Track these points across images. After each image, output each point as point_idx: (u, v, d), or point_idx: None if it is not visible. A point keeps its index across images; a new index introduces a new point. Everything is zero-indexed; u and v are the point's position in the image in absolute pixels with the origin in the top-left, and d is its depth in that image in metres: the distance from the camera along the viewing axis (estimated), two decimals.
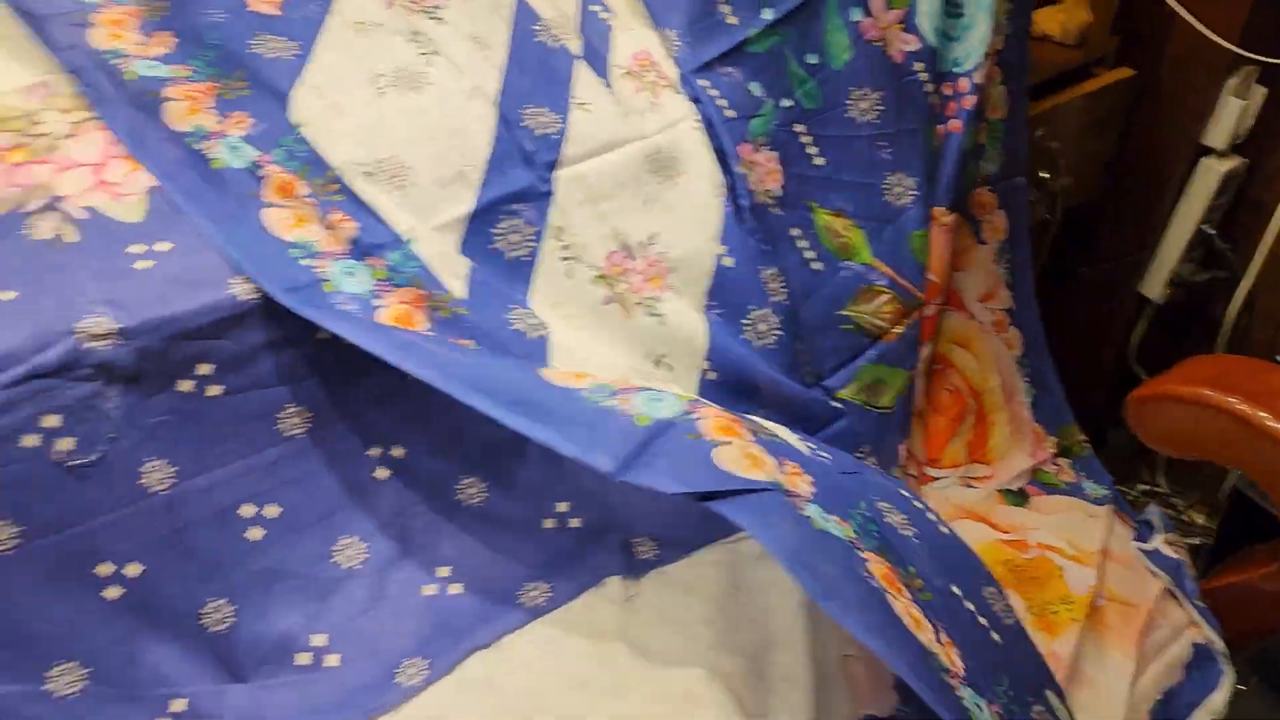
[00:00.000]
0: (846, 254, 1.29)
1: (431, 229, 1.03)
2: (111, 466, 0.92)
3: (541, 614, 1.03)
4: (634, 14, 1.23)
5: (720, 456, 0.88)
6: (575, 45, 1.17)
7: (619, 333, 1.11)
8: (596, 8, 1.21)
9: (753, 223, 1.19)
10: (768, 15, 1.22)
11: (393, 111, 1.05)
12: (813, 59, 1.25)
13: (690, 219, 1.15)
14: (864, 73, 1.26)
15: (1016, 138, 1.39)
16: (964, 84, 1.31)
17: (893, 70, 1.27)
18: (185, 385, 0.94)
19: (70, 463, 0.90)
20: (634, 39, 1.20)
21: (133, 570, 0.94)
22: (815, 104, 1.26)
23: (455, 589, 1.05)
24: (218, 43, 1.05)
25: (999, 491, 1.46)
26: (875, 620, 0.80)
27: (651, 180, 1.14)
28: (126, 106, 1.03)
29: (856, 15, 1.25)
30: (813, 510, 0.89)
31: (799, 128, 1.26)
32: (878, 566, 0.88)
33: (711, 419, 0.94)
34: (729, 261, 1.16)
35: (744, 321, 1.16)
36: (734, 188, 1.18)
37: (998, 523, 1.40)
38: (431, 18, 1.11)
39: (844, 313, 1.28)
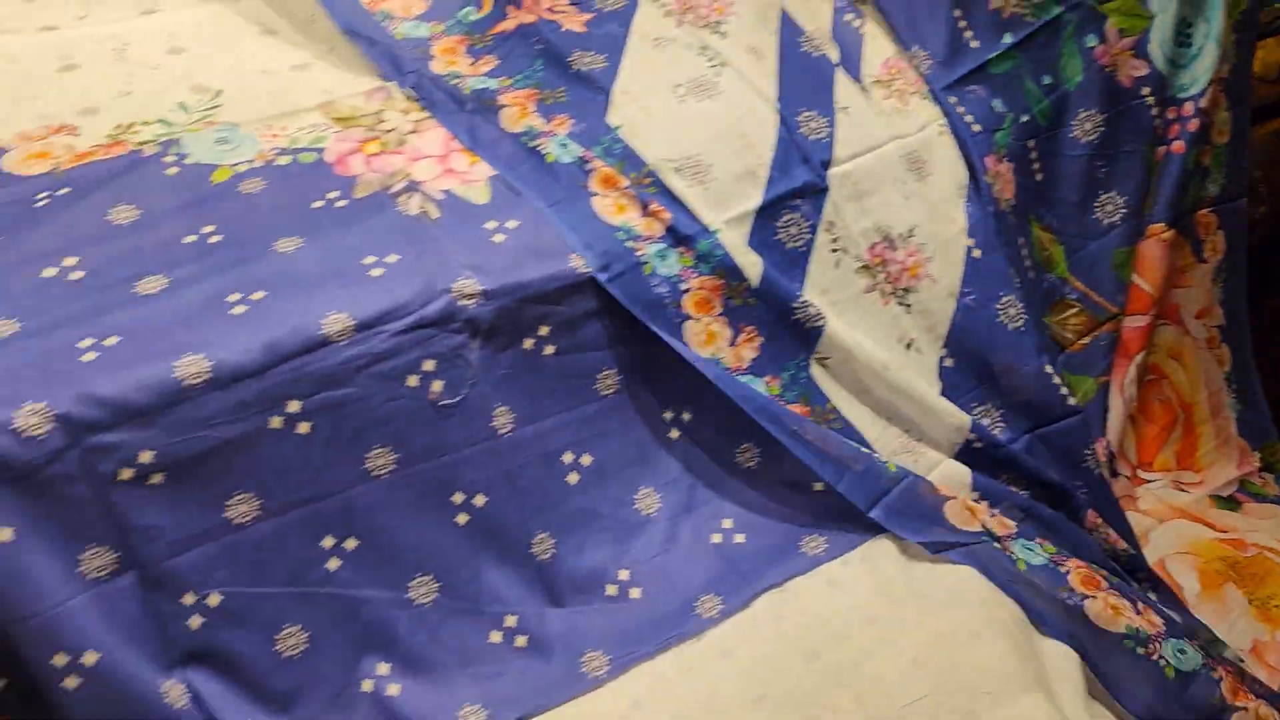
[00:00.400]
0: (1049, 266, 1.41)
1: (725, 221, 1.17)
2: (470, 408, 1.07)
3: (821, 562, 1.15)
4: (881, 30, 1.38)
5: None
6: (833, 54, 1.32)
7: (877, 319, 1.24)
8: (849, 16, 1.36)
9: (995, 224, 1.31)
10: (1007, 39, 1.35)
11: (692, 116, 1.21)
12: (1048, 79, 1.37)
13: (943, 214, 1.28)
14: (1093, 95, 1.38)
15: (1239, 161, 1.48)
16: (1189, 108, 1.41)
17: (1120, 93, 1.39)
18: (528, 343, 1.10)
19: (441, 402, 1.05)
20: (882, 49, 1.35)
21: (479, 500, 1.09)
22: (1045, 121, 1.38)
23: (739, 538, 1.17)
24: (540, 59, 1.25)
25: (1210, 496, 1.53)
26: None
27: (909, 177, 1.27)
28: (464, 113, 1.22)
29: (1092, 41, 1.37)
30: (1016, 546, 1.14)
31: (1030, 143, 1.38)
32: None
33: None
34: (978, 253, 1.28)
35: (996, 306, 1.28)
36: (980, 192, 1.30)
37: (1214, 523, 1.46)
38: (715, 33, 1.28)
39: (1044, 320, 1.40)
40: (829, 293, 1.22)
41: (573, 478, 1.14)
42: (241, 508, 0.98)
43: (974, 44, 1.35)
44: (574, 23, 1.28)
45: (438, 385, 1.05)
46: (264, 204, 1.15)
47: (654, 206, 1.14)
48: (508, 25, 1.29)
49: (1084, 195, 1.41)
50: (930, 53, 1.34)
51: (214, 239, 1.09)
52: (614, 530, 1.14)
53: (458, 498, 1.08)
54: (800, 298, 1.18)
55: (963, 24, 1.35)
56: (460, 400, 1.06)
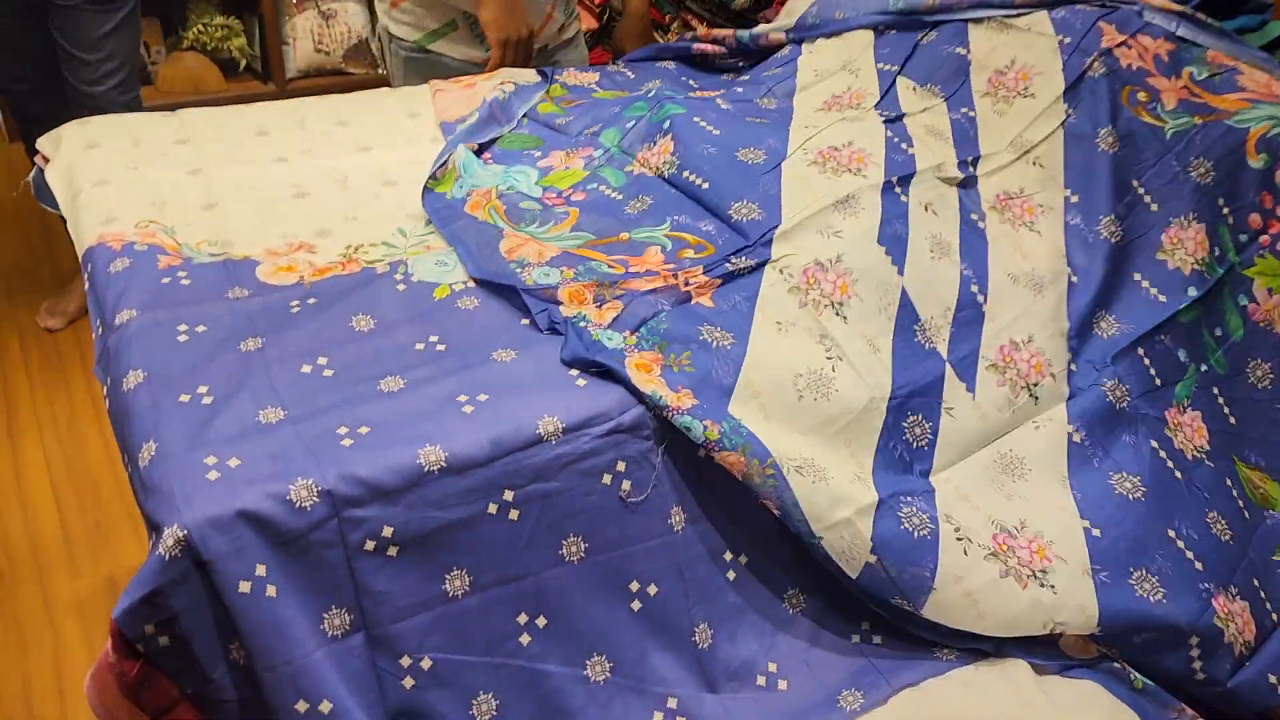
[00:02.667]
0: (1267, 503, 1.44)
1: (852, 514, 1.24)
2: (652, 506, 1.22)
3: (955, 666, 1.26)
4: (1016, 296, 1.44)
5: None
6: (944, 347, 1.38)
7: (1017, 604, 1.26)
8: (975, 289, 1.44)
9: (1173, 479, 1.39)
10: (1192, 292, 1.48)
11: (808, 419, 1.27)
12: (1219, 331, 1.50)
13: (1052, 504, 1.34)
14: (1257, 347, 1.47)
15: None
16: None
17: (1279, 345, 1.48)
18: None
19: (629, 499, 1.21)
20: (1007, 328, 1.41)
21: (652, 589, 1.23)
22: (1224, 370, 1.50)
23: (877, 639, 1.29)
24: (665, 325, 1.31)
25: None
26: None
27: (1005, 479, 1.34)
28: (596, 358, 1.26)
29: (1244, 300, 1.51)
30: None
31: (1215, 389, 1.48)
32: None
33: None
34: (1097, 533, 1.34)
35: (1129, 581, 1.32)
36: (1160, 450, 1.39)
37: None
38: (838, 314, 1.35)
39: (1277, 558, 1.42)
40: (962, 580, 1.26)
41: (731, 574, 1.27)
42: (456, 581, 1.13)
43: (1162, 299, 1.47)
44: (703, 295, 1.35)
45: (627, 484, 1.20)
46: (479, 319, 1.34)
47: (769, 501, 1.23)
48: (638, 285, 1.36)
49: (1277, 435, 1.44)
50: (1117, 315, 1.46)
51: (440, 347, 1.28)
52: (763, 625, 1.27)
53: (634, 585, 1.22)
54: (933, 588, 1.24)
55: (1146, 283, 1.48)
56: (644, 499, 1.21)
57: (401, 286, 1.39)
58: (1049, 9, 1.69)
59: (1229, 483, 1.44)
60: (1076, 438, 1.39)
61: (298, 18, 3.58)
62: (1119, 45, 1.62)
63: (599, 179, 1.63)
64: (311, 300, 1.35)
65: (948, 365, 1.36)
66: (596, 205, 1.56)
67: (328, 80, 2.77)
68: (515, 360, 1.26)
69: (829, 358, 1.31)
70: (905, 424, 1.32)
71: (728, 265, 1.38)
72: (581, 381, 1.23)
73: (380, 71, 3.13)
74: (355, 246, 1.49)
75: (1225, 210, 1.53)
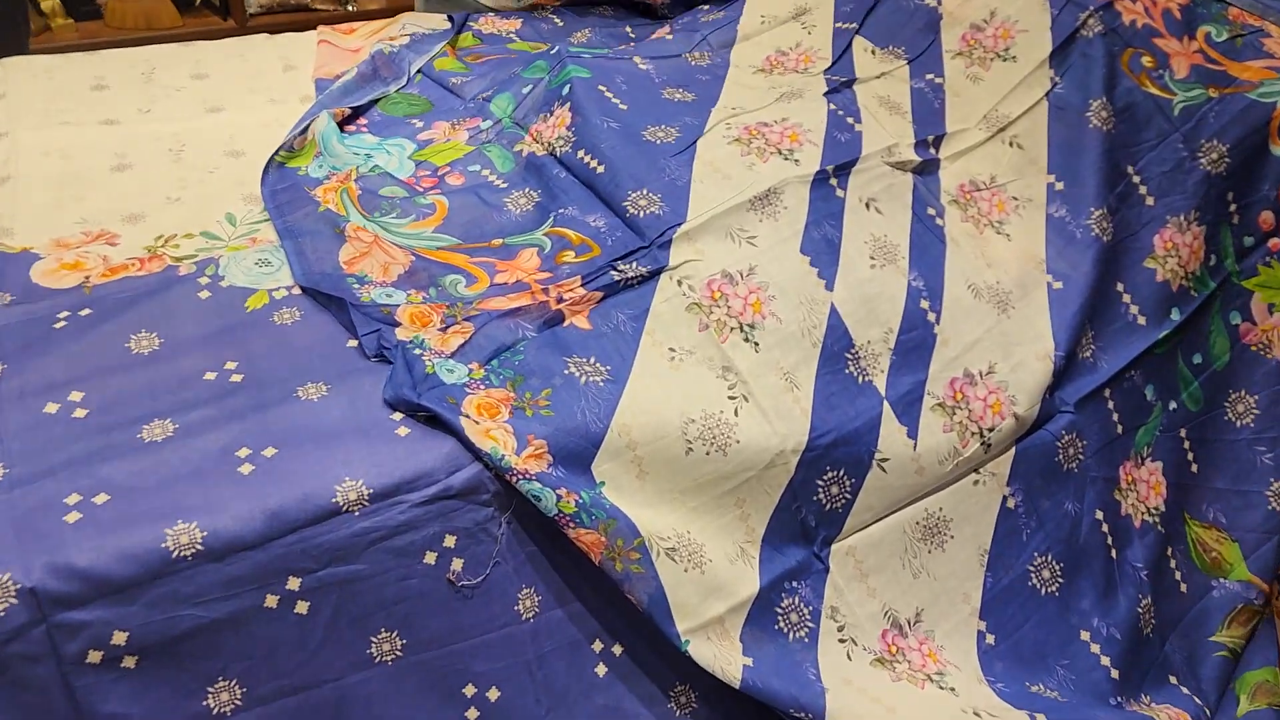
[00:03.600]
0: (1217, 569, 1.22)
1: (725, 611, 0.99)
2: (492, 589, 0.95)
3: None
4: (976, 314, 1.16)
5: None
6: (882, 380, 1.09)
7: (925, 699, 1.05)
8: (925, 304, 1.14)
9: (1106, 562, 1.15)
10: (1175, 315, 1.21)
11: (694, 476, 1.00)
12: (1197, 359, 1.23)
13: (955, 592, 1.10)
14: (1241, 375, 1.23)
15: None
16: None
17: (1273, 373, 1.23)
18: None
19: (459, 583, 0.94)
20: (962, 355, 1.13)
21: (493, 694, 0.96)
22: (1197, 406, 1.24)
23: None
24: (524, 355, 1.02)
25: None
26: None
27: (921, 548, 1.09)
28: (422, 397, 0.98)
29: (1236, 319, 1.23)
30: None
31: (1181, 432, 1.23)
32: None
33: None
34: (990, 640, 1.11)
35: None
36: (1104, 523, 1.15)
37: None
38: (748, 340, 1.06)
39: (1215, 639, 1.20)
40: (852, 682, 1.03)
41: (600, 669, 1.01)
42: (223, 695, 0.87)
43: (1141, 321, 1.21)
44: (578, 313, 1.07)
45: (458, 563, 0.94)
46: (295, 339, 1.06)
47: (633, 586, 0.97)
48: (498, 303, 1.08)
49: (1247, 485, 1.23)
50: (1095, 335, 1.20)
51: (235, 377, 1.01)
52: None
53: (469, 690, 0.96)
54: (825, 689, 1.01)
55: (1127, 297, 1.21)
56: (482, 581, 0.95)
57: (205, 294, 1.11)
58: None
59: (1170, 553, 1.22)
60: (1011, 503, 1.13)
61: None
62: None
63: (482, 159, 1.34)
64: (85, 312, 1.07)
65: (885, 405, 1.08)
66: (472, 196, 1.27)
67: (293, 16, 2.52)
68: (325, 399, 0.98)
69: (731, 398, 1.03)
70: (820, 482, 1.04)
71: (612, 274, 1.10)
72: (403, 430, 0.96)
73: (350, 8, 2.80)
74: (166, 238, 1.21)
75: (1233, 207, 1.25)
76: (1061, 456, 1.15)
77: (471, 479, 0.94)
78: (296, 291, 1.12)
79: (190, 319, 1.08)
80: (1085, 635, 1.12)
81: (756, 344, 1.06)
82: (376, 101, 1.51)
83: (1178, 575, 1.21)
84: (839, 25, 1.48)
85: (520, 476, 0.93)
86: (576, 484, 0.96)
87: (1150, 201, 1.25)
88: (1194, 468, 1.24)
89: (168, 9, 2.15)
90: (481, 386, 1.00)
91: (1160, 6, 1.31)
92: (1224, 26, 1.30)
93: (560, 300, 1.08)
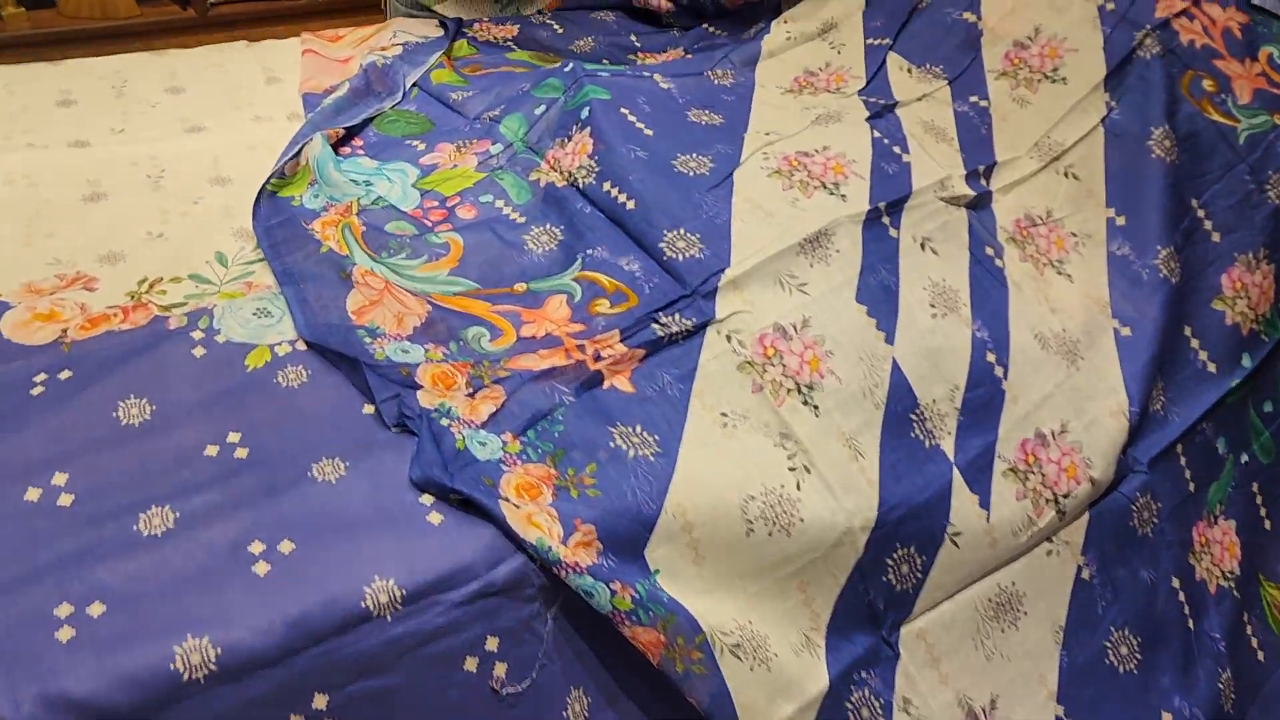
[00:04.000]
0: None
1: (794, 712, 0.90)
2: (539, 695, 0.85)
3: None
4: (1046, 367, 1.07)
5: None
6: (950, 444, 1.00)
7: None
8: (991, 357, 1.04)
9: (1184, 633, 1.08)
10: (1246, 363, 1.14)
11: (756, 559, 0.90)
12: (1268, 407, 1.16)
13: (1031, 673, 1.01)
14: None
15: None
16: None
17: None
18: None
19: (505, 690, 0.84)
20: (1033, 413, 1.04)
21: None
22: (1269, 458, 1.16)
23: None
24: (564, 425, 0.92)
25: None
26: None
27: (993, 629, 1.00)
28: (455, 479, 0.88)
29: None
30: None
31: (1254, 486, 1.16)
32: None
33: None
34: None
35: None
36: (1180, 591, 1.07)
37: None
38: (806, 402, 0.96)
39: None
40: None
41: None
42: None
43: (1211, 368, 1.14)
44: (619, 374, 0.97)
45: (501, 668, 0.84)
46: (303, 404, 0.95)
47: (696, 686, 0.87)
48: (529, 362, 0.97)
49: None
50: (1165, 386, 1.11)
51: (240, 452, 0.89)
52: None
53: None
54: None
55: (1195, 343, 1.14)
56: (528, 686, 0.85)
57: (200, 350, 1.00)
58: None
59: (1246, 619, 1.15)
60: (1086, 573, 1.05)
61: None
62: (1178, 15, 1.23)
63: (495, 188, 1.23)
64: (65, 375, 0.95)
65: (955, 471, 1.00)
66: (488, 232, 1.16)
67: (256, 6, 2.38)
68: (343, 479, 0.88)
69: (792, 469, 0.94)
70: (889, 561, 0.96)
71: (654, 328, 1.00)
72: (436, 516, 0.86)
73: None
74: (150, 282, 1.09)
75: None
76: (1136, 520, 1.07)
77: (515, 573, 0.84)
78: (301, 346, 1.01)
79: (184, 382, 0.96)
80: (1168, 717, 1.04)
81: (816, 407, 0.97)
82: (371, 120, 1.40)
83: (1254, 642, 1.14)
84: (870, 42, 1.39)
85: (570, 570, 0.83)
86: (630, 574, 0.86)
87: (1216, 238, 1.18)
88: (1267, 524, 1.17)
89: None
90: (519, 462, 0.90)
91: (1220, 25, 1.23)
92: None
93: (598, 358, 0.98)
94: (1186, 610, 1.10)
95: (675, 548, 0.89)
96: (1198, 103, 1.21)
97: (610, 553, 0.86)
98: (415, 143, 1.33)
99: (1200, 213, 1.19)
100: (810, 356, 0.99)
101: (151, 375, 0.96)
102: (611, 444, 0.91)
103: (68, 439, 0.89)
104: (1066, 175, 1.22)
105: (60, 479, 0.85)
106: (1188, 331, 1.16)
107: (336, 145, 1.31)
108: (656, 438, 0.93)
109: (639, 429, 0.93)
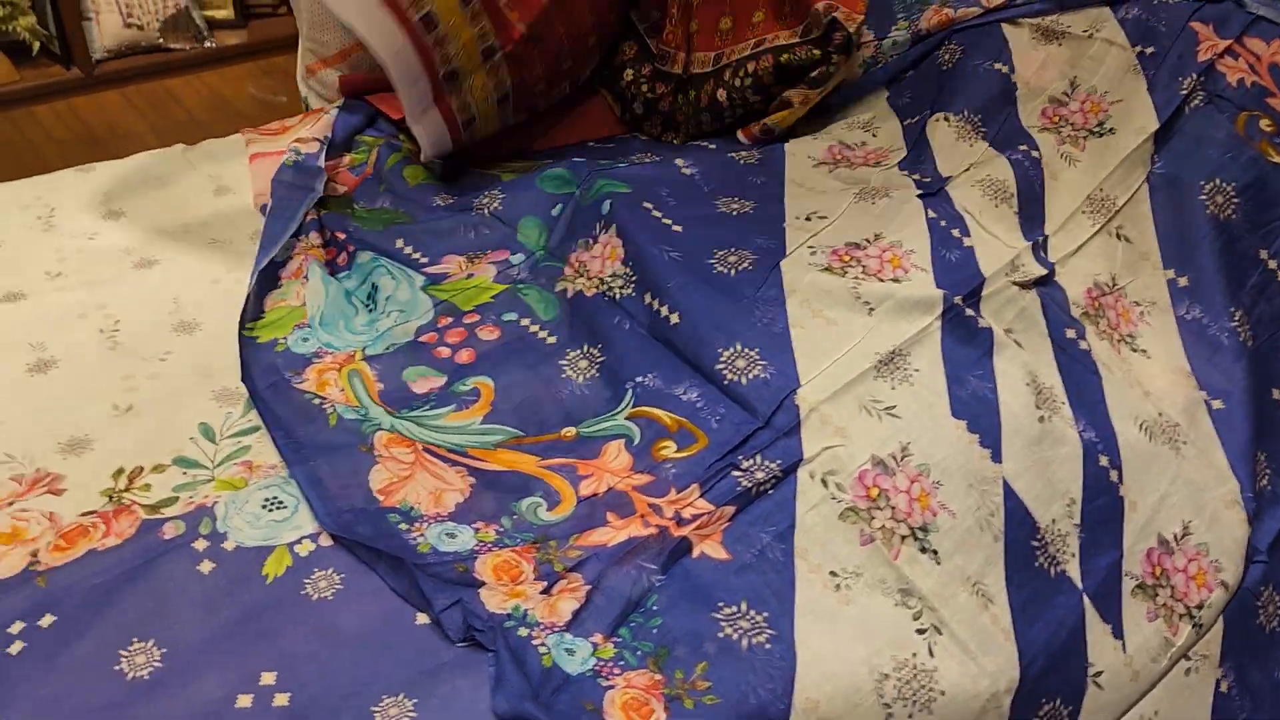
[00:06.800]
0: None
1: None
2: None
3: None
4: (1157, 461, 0.97)
5: None
6: (1075, 568, 0.89)
7: None
8: (1104, 460, 0.93)
9: None
10: None
11: None
12: None
13: None
14: None
15: None
16: None
17: None
18: None
19: None
20: (1153, 518, 0.94)
21: None
22: None
23: None
24: (661, 616, 0.79)
25: None
26: None
27: None
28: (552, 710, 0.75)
29: None
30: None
31: None
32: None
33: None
34: None
35: None
36: None
37: None
38: (924, 549, 0.85)
39: None
40: None
41: None
42: None
43: None
44: (708, 538, 0.84)
45: None
46: (344, 624, 0.80)
47: None
48: (603, 536, 0.85)
49: None
50: (1269, 460, 1.02)
51: (279, 699, 0.74)
52: None
53: None
54: None
55: None
56: None
57: (207, 564, 0.84)
58: (1112, 4, 1.21)
59: None
60: (1224, 685, 0.95)
61: None
62: (1221, 56, 1.14)
63: (519, 305, 1.09)
64: (47, 621, 0.79)
65: (1086, 601, 0.88)
66: (519, 364, 1.02)
67: (145, 60, 2.22)
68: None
69: (921, 631, 0.82)
70: (1036, 719, 0.84)
71: (737, 477, 0.87)
72: None
73: (208, 44, 2.46)
74: (129, 474, 0.92)
75: None
76: (1263, 616, 0.97)
77: None
78: (326, 540, 0.86)
79: (194, 609, 0.80)
80: None
81: (935, 552, 0.85)
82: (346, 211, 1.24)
83: None
84: (907, 122, 1.28)
85: None
86: None
87: None
88: None
89: (1, 62, 1.84)
90: (617, 670, 0.76)
91: (1265, 61, 1.15)
92: None
93: (681, 522, 0.84)
94: None
95: None
96: (1256, 145, 1.12)
97: None
98: (405, 246, 1.18)
99: (1272, 264, 1.10)
100: (919, 492, 0.87)
101: (153, 606, 0.80)
102: (720, 633, 0.78)
103: (64, 711, 0.73)
104: (1119, 237, 1.12)
105: None
106: (1276, 395, 1.07)
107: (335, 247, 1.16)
108: (766, 615, 0.80)
109: (745, 607, 0.80)
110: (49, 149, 2.18)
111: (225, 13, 2.62)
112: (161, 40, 2.60)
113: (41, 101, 2.04)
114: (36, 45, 2.68)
